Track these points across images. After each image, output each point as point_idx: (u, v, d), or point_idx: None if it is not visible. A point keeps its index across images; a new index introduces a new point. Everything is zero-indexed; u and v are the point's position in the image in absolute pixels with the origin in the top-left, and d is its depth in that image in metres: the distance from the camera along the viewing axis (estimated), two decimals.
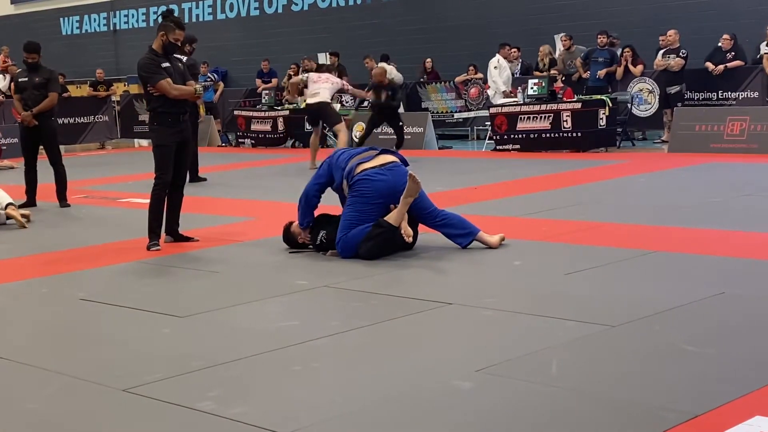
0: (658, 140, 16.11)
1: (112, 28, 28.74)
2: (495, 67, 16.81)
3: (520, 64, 18.03)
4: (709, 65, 15.63)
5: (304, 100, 14.47)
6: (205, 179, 12.67)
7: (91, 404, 4.00)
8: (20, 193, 10.73)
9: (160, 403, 3.91)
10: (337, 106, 19.26)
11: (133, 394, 4.02)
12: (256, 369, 4.35)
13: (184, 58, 13.16)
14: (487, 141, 16.49)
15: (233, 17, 25.71)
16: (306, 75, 14.30)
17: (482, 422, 3.58)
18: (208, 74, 21.52)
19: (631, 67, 16.28)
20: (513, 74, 17.61)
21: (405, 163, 7.15)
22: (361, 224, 6.82)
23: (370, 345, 4.69)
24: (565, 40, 17.52)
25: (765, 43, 15.21)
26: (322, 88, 13.70)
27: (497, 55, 17.07)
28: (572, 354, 4.35)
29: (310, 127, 15.41)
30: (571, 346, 4.45)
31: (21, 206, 10.23)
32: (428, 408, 3.74)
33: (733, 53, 15.56)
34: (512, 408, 3.71)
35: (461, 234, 6.99)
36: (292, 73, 21.33)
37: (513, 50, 18.09)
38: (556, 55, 17.96)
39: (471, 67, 18.89)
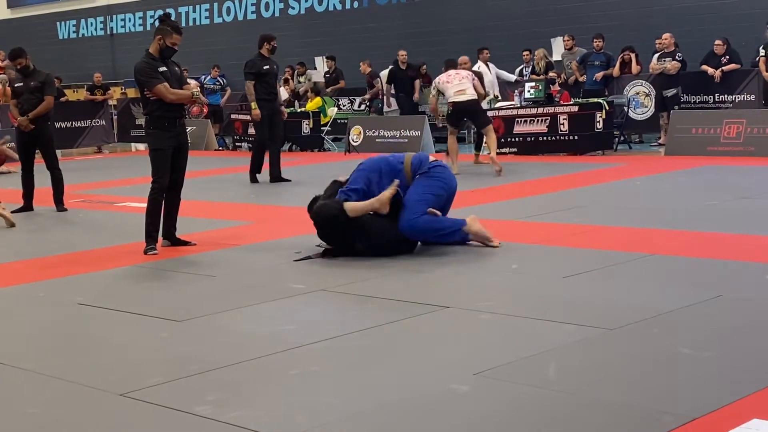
0: (655, 143, 16.13)
1: (108, 32, 28.73)
2: None
3: (531, 67, 18.03)
4: (708, 69, 15.64)
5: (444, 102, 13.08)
6: (289, 180, 12.65)
7: (89, 408, 3.99)
8: (17, 198, 10.73)
9: (158, 407, 3.90)
10: (334, 110, 19.33)
11: (130, 399, 4.02)
12: (253, 373, 4.35)
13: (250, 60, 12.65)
14: (484, 144, 16.49)
15: (230, 21, 25.72)
16: (435, 83, 12.94)
17: (480, 426, 3.58)
18: (217, 78, 21.53)
19: (633, 65, 16.34)
20: (522, 76, 17.72)
21: None
22: (434, 205, 6.91)
23: (367, 349, 4.69)
24: (567, 41, 17.56)
25: (762, 45, 15.22)
26: (465, 85, 12.45)
27: (478, 61, 17.15)
28: (570, 357, 4.35)
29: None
30: (569, 350, 4.45)
31: (18, 211, 10.25)
32: (426, 412, 3.74)
33: (727, 57, 15.59)
34: (510, 411, 3.71)
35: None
36: (288, 77, 21.37)
37: (526, 52, 18.15)
38: (559, 56, 18.00)
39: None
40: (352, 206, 6.82)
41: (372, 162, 7.26)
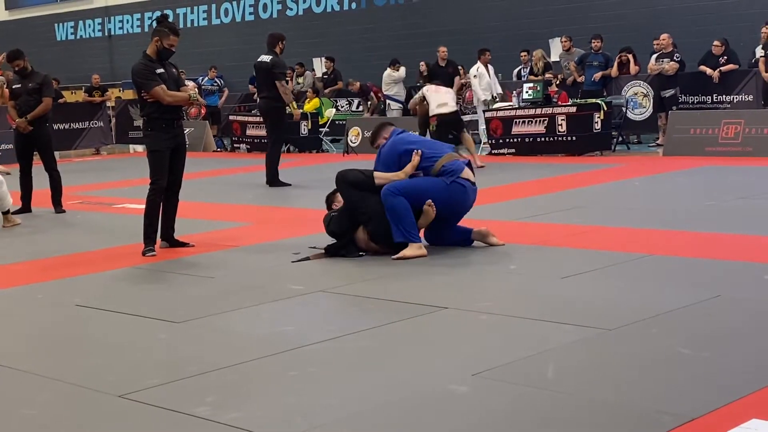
0: (653, 144, 16.14)
1: (106, 34, 28.73)
2: (474, 76, 16.95)
3: (529, 68, 18.05)
4: (706, 69, 15.65)
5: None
6: (289, 184, 12.28)
7: (87, 410, 3.99)
8: (15, 199, 10.71)
9: (157, 408, 3.90)
10: (332, 111, 19.34)
11: (129, 400, 4.01)
12: (252, 374, 4.35)
13: (268, 58, 12.19)
14: (482, 145, 16.50)
15: (228, 22, 25.71)
16: (423, 92, 13.64)
17: (479, 426, 3.58)
18: (215, 79, 21.54)
19: (632, 66, 16.38)
20: (520, 77, 17.75)
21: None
22: (421, 199, 6.97)
23: (365, 350, 4.69)
24: (565, 42, 17.58)
25: (760, 46, 15.24)
26: (447, 98, 13.40)
27: (478, 62, 17.17)
28: (569, 358, 4.35)
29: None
30: (568, 350, 4.45)
31: (16, 212, 10.23)
32: (424, 413, 3.74)
33: (725, 57, 15.60)
34: (509, 412, 3.71)
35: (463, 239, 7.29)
36: (288, 78, 21.38)
37: (524, 53, 18.15)
38: (557, 57, 18.00)
39: (459, 67, 18.90)
40: (380, 174, 7.08)
41: (397, 151, 7.25)
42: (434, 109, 13.31)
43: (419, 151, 7.10)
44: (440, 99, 13.30)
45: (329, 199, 7.48)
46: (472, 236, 7.23)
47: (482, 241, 7.20)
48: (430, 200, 6.98)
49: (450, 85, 17.40)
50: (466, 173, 7.19)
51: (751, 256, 6.46)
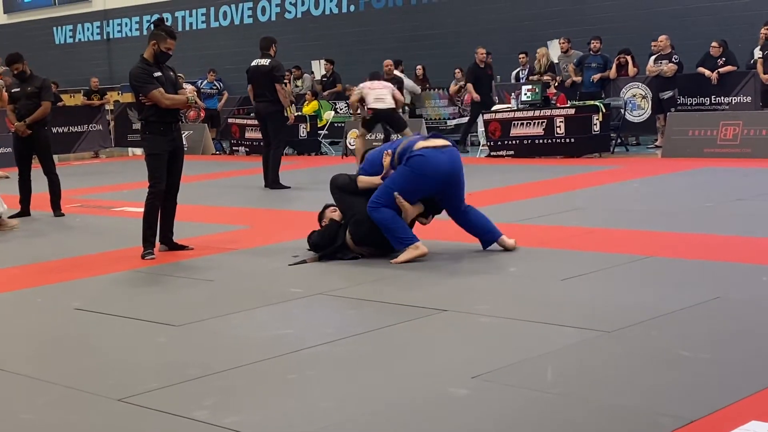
0: (652, 145, 16.15)
1: (105, 37, 28.74)
2: None
3: (528, 69, 18.07)
4: (705, 71, 15.66)
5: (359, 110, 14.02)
6: (288, 187, 12.30)
7: (86, 414, 3.98)
8: (14, 203, 10.71)
9: (156, 412, 3.90)
10: (331, 113, 19.34)
11: (128, 404, 4.01)
12: (251, 378, 4.34)
13: (267, 61, 12.36)
14: (480, 147, 16.51)
15: (226, 25, 25.71)
16: (359, 88, 13.70)
17: (478, 429, 3.57)
18: (214, 82, 21.53)
19: (630, 67, 16.41)
20: (518, 80, 17.78)
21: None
22: (404, 195, 6.93)
23: (365, 353, 4.69)
24: (563, 43, 17.60)
25: (758, 47, 15.25)
26: (385, 94, 13.39)
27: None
28: (568, 360, 4.35)
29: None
30: (567, 352, 4.45)
31: (15, 216, 10.24)
32: (424, 416, 3.74)
33: (723, 59, 15.61)
34: (508, 415, 3.70)
35: (484, 236, 7.19)
36: (286, 81, 21.38)
37: (522, 55, 18.21)
38: (556, 59, 18.02)
39: (457, 70, 18.89)
40: (362, 178, 7.21)
41: (375, 163, 7.31)
42: (371, 103, 13.38)
43: (389, 151, 7.12)
44: (377, 94, 13.39)
45: (321, 216, 7.54)
46: (498, 240, 7.13)
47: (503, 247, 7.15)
48: (395, 192, 6.93)
49: (489, 86, 17.36)
50: (422, 144, 7.01)
51: (750, 257, 6.47)
